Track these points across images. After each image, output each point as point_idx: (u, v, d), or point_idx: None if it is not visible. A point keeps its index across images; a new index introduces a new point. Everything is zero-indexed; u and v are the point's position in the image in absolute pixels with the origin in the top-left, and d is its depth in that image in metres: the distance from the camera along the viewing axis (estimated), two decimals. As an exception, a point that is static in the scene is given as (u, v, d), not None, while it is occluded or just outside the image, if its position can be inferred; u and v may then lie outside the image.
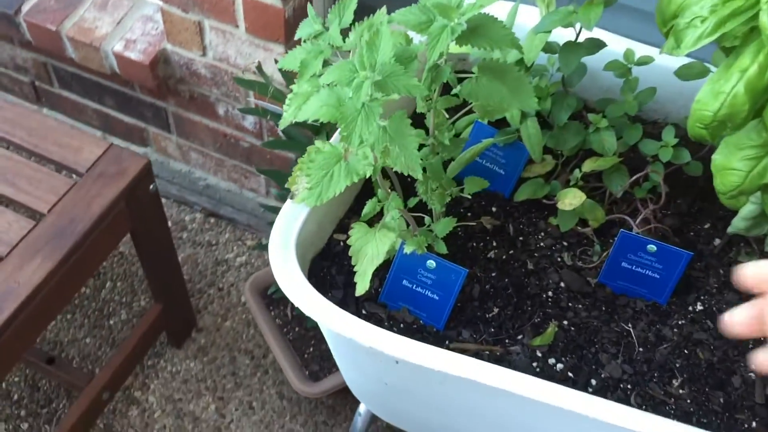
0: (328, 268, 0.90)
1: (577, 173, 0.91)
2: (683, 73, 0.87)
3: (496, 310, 0.87)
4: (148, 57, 1.51)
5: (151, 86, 1.58)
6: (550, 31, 0.85)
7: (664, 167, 0.90)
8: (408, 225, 0.85)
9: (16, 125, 1.31)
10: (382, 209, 0.83)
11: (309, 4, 0.81)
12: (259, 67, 1.21)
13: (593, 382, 0.81)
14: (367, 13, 0.81)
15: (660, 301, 0.88)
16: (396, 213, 0.80)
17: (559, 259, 0.91)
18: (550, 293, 0.88)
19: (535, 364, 0.82)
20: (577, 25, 0.86)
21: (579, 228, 0.92)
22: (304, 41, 0.79)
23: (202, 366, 1.67)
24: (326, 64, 0.78)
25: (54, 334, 1.70)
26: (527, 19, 0.95)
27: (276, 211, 0.82)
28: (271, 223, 0.83)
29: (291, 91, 0.79)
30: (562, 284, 0.89)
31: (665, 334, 0.85)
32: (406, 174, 0.69)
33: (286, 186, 0.82)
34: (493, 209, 0.96)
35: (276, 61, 1.31)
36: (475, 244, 0.92)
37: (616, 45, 0.94)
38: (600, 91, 1.00)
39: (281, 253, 0.81)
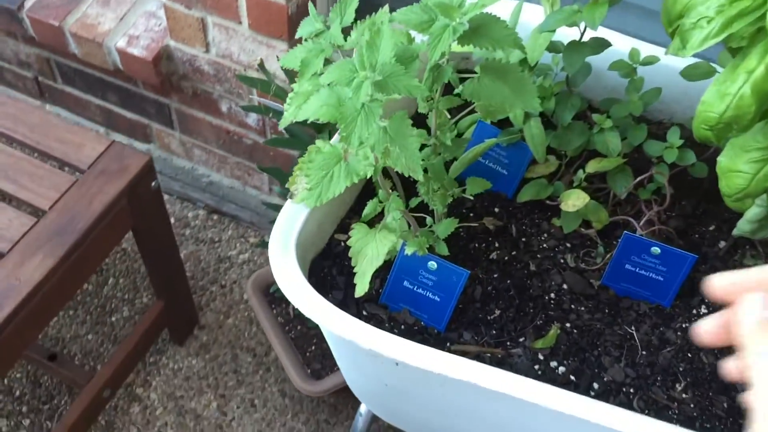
0: (328, 268, 0.89)
1: (580, 174, 0.90)
2: (689, 74, 0.86)
3: (497, 311, 0.86)
4: (151, 53, 1.51)
5: (154, 82, 1.58)
6: (554, 31, 0.84)
7: (669, 168, 0.89)
8: (409, 226, 0.84)
9: (18, 121, 1.31)
10: (383, 209, 0.82)
11: (310, 2, 0.80)
12: (261, 65, 1.20)
13: (595, 385, 0.81)
14: (370, 11, 0.80)
15: (664, 304, 0.87)
16: (397, 214, 0.79)
17: (561, 261, 0.90)
18: (552, 295, 0.87)
19: (536, 367, 0.82)
20: (582, 24, 0.85)
21: (582, 229, 0.91)
22: (305, 40, 0.79)
23: (204, 363, 1.67)
24: (328, 62, 0.78)
25: (56, 331, 1.70)
26: (531, 17, 0.94)
27: (278, 209, 0.81)
28: (273, 221, 0.82)
29: (293, 89, 0.78)
30: (565, 286, 0.88)
31: (669, 338, 0.84)
32: (407, 175, 0.68)
33: (286, 186, 0.81)
34: (496, 210, 0.95)
35: (278, 59, 1.31)
36: (477, 245, 0.91)
37: (621, 44, 0.93)
38: (605, 90, 0.99)
39: (281, 254, 0.80)
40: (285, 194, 0.83)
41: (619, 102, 0.91)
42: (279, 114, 1.31)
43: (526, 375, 0.79)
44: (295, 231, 0.82)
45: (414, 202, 0.86)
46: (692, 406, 0.79)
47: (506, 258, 0.90)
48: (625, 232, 0.85)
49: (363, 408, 1.38)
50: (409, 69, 0.67)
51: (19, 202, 1.24)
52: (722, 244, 0.92)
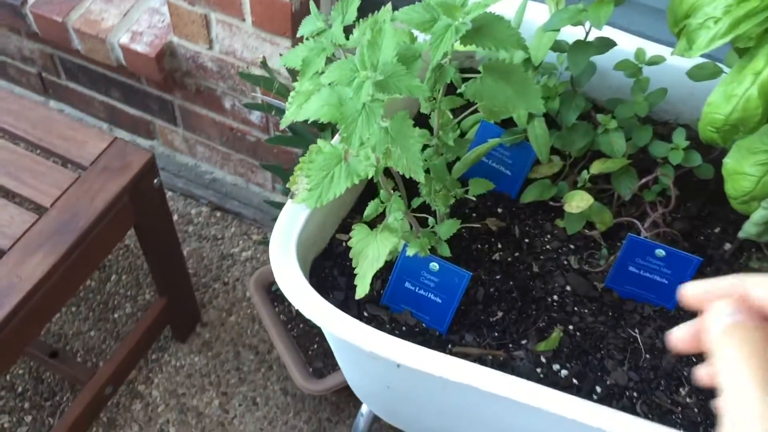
0: (330, 268, 0.88)
1: (584, 175, 0.89)
2: (695, 74, 0.85)
3: (500, 313, 0.85)
4: (155, 50, 1.50)
5: (157, 79, 1.57)
6: (558, 30, 0.83)
7: (674, 170, 0.88)
8: (411, 226, 0.83)
9: (21, 117, 1.30)
10: (384, 210, 0.82)
11: (312, 0, 0.80)
12: (264, 62, 1.19)
13: (598, 389, 0.80)
14: (373, 10, 0.79)
15: (668, 307, 0.86)
16: (399, 215, 0.78)
17: (565, 263, 0.89)
18: (555, 297, 0.87)
19: (539, 370, 0.81)
20: (587, 23, 0.84)
21: (586, 231, 0.90)
22: (307, 38, 0.78)
23: (206, 361, 1.66)
24: (330, 61, 0.77)
25: (59, 327, 1.70)
26: (536, 16, 0.93)
27: (280, 207, 0.80)
28: (276, 219, 0.82)
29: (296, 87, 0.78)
30: (568, 288, 0.87)
31: (673, 341, 0.83)
32: (408, 176, 0.67)
33: (287, 186, 0.81)
34: (499, 210, 0.94)
35: (281, 56, 1.30)
36: (479, 246, 0.91)
37: (627, 44, 0.92)
38: (609, 90, 0.98)
39: (282, 254, 0.80)
40: (287, 192, 0.82)
41: (624, 102, 0.90)
42: (282, 112, 1.30)
43: (528, 378, 0.78)
44: (296, 231, 0.82)
45: (416, 202, 0.85)
46: (696, 410, 0.78)
47: (509, 259, 0.89)
48: (629, 234, 0.84)
49: (364, 408, 1.37)
50: (410, 69, 0.66)
51: (20, 199, 1.23)
52: (728, 246, 0.91)
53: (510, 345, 0.83)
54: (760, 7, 0.65)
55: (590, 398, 0.79)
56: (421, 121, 0.86)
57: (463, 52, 0.95)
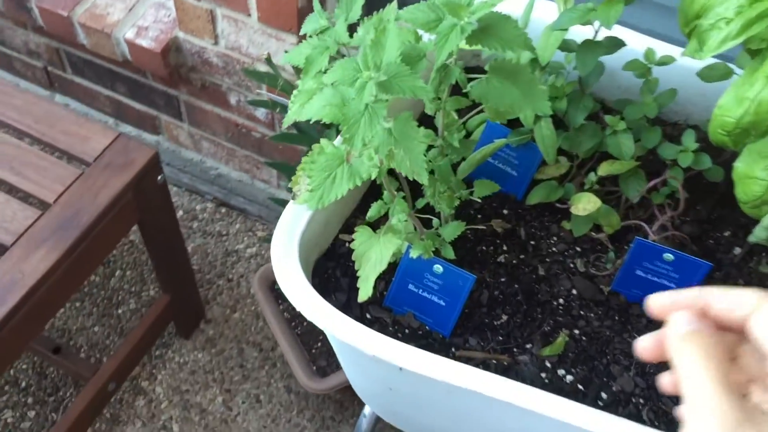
0: (332, 269, 0.87)
1: (592, 177, 0.87)
2: (706, 75, 0.84)
3: (504, 317, 0.84)
4: (160, 45, 1.49)
5: (162, 74, 1.56)
6: (566, 29, 0.82)
7: (684, 172, 0.87)
8: (415, 228, 0.82)
9: (25, 112, 1.30)
10: (388, 211, 0.80)
11: (316, -2, 0.78)
12: (269, 59, 1.18)
13: (604, 395, 0.78)
14: (378, 7, 0.78)
15: (675, 312, 0.85)
16: (402, 216, 0.77)
17: (571, 266, 0.88)
18: (561, 301, 0.85)
19: (543, 375, 0.80)
20: (596, 23, 0.82)
21: (593, 233, 0.89)
22: (310, 36, 0.76)
23: (210, 357, 1.66)
24: (334, 60, 0.76)
25: (62, 322, 1.70)
26: (544, 14, 0.91)
27: (285, 204, 0.80)
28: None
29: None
30: (574, 291, 0.86)
31: (680, 347, 0.82)
32: (411, 179, 0.66)
33: (289, 186, 0.80)
34: (505, 212, 0.93)
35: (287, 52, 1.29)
36: (484, 248, 0.89)
37: (636, 43, 0.90)
38: (618, 90, 0.96)
39: (284, 256, 0.79)
40: (292, 190, 0.81)
41: (633, 103, 0.89)
42: (286, 109, 1.29)
43: (533, 383, 0.77)
44: (298, 232, 0.81)
45: (420, 202, 0.84)
46: (703, 418, 0.77)
47: (514, 262, 0.88)
48: (637, 237, 0.83)
49: (367, 409, 1.36)
50: (415, 69, 0.65)
51: (24, 195, 1.23)
52: (738, 250, 0.89)
53: (514, 349, 0.82)
54: (773, 8, 0.63)
55: (596, 405, 0.77)
56: (426, 121, 0.85)
57: (469, 51, 0.94)
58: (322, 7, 0.78)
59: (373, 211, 0.78)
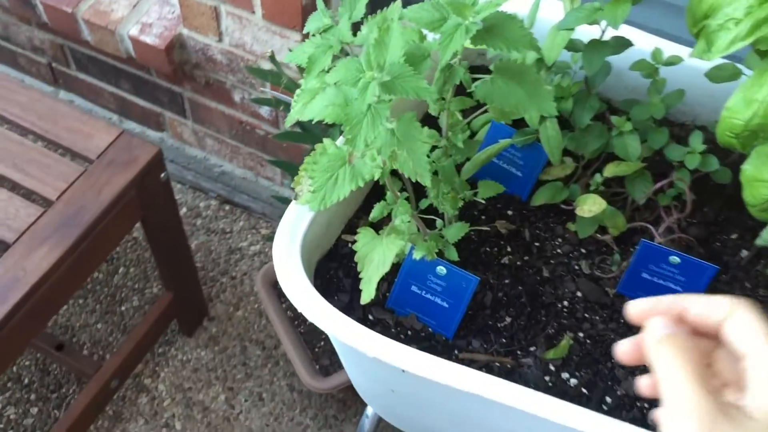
0: (335, 270, 0.87)
1: (597, 178, 0.86)
2: (714, 75, 0.82)
3: (508, 319, 0.83)
4: (164, 41, 1.49)
5: (166, 71, 1.56)
6: (573, 29, 0.81)
7: (691, 174, 0.86)
8: (418, 229, 0.81)
9: (28, 109, 1.29)
10: (391, 212, 0.80)
11: (320, -5, 0.78)
12: (272, 57, 1.17)
13: (608, 399, 0.78)
14: (382, 6, 0.77)
15: (681, 315, 0.84)
16: (405, 217, 0.76)
17: (576, 268, 0.87)
18: (565, 303, 0.85)
19: (547, 378, 0.79)
20: (603, 22, 0.81)
21: (598, 235, 0.88)
22: (313, 35, 0.76)
23: (212, 355, 1.65)
24: (337, 58, 0.75)
25: (66, 319, 1.70)
26: (550, 14, 0.90)
27: (289, 202, 0.79)
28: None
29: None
30: (579, 294, 0.85)
31: (685, 351, 0.81)
32: (414, 180, 0.65)
33: (291, 186, 0.79)
34: (509, 213, 0.92)
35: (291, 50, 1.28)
36: (488, 249, 0.88)
37: (644, 43, 0.89)
38: (625, 90, 0.95)
39: (286, 256, 0.78)
40: (295, 189, 0.80)
41: (639, 103, 0.88)
42: (290, 107, 1.28)
43: (536, 386, 0.76)
44: (300, 232, 0.80)
45: (424, 203, 0.83)
46: (708, 423, 0.76)
47: (518, 263, 0.87)
48: (643, 240, 0.82)
49: (370, 410, 1.36)
50: (418, 69, 0.64)
51: (26, 192, 1.22)
52: (745, 253, 0.88)
53: (518, 352, 0.81)
54: (783, 8, 0.62)
55: (600, 409, 0.77)
56: (430, 120, 0.84)
57: (473, 49, 0.93)
58: (325, 5, 0.78)
59: (376, 212, 0.78)
